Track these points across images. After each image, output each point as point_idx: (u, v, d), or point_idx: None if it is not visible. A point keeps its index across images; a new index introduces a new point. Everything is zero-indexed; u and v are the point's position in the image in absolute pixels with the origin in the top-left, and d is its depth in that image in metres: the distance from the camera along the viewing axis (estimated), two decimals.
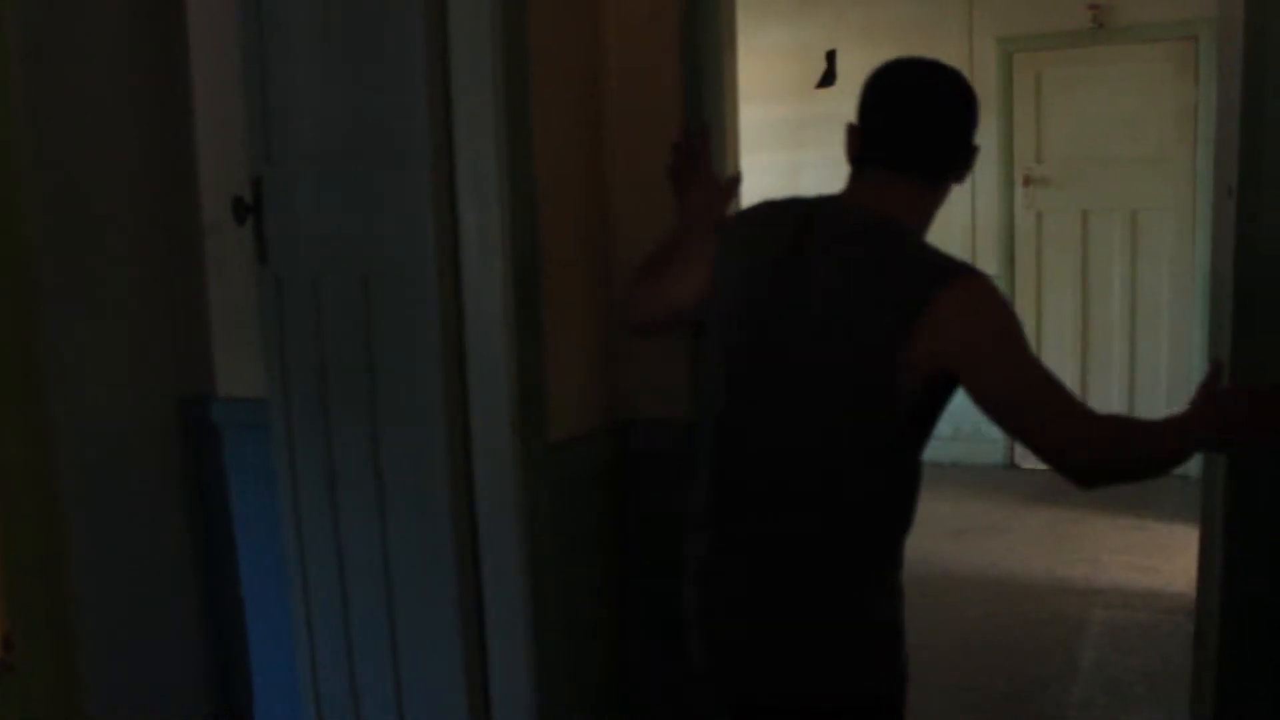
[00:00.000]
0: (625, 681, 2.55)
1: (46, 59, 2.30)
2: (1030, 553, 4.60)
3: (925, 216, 1.69)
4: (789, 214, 1.72)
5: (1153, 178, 5.53)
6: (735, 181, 2.17)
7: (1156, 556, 4.45)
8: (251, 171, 2.31)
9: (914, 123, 1.65)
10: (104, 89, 2.46)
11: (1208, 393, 1.56)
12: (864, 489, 1.62)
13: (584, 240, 2.38)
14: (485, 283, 2.07)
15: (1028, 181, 5.62)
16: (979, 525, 4.85)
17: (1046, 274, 5.68)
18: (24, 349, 1.27)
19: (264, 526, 2.53)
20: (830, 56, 6.02)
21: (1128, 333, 5.67)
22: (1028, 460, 5.63)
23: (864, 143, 1.68)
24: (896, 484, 1.64)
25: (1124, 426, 1.57)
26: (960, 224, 5.66)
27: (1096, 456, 1.51)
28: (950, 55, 6.24)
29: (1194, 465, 2.44)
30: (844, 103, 6.50)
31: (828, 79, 6.06)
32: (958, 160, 1.68)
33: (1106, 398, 5.54)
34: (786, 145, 6.11)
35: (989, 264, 5.52)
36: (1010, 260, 5.72)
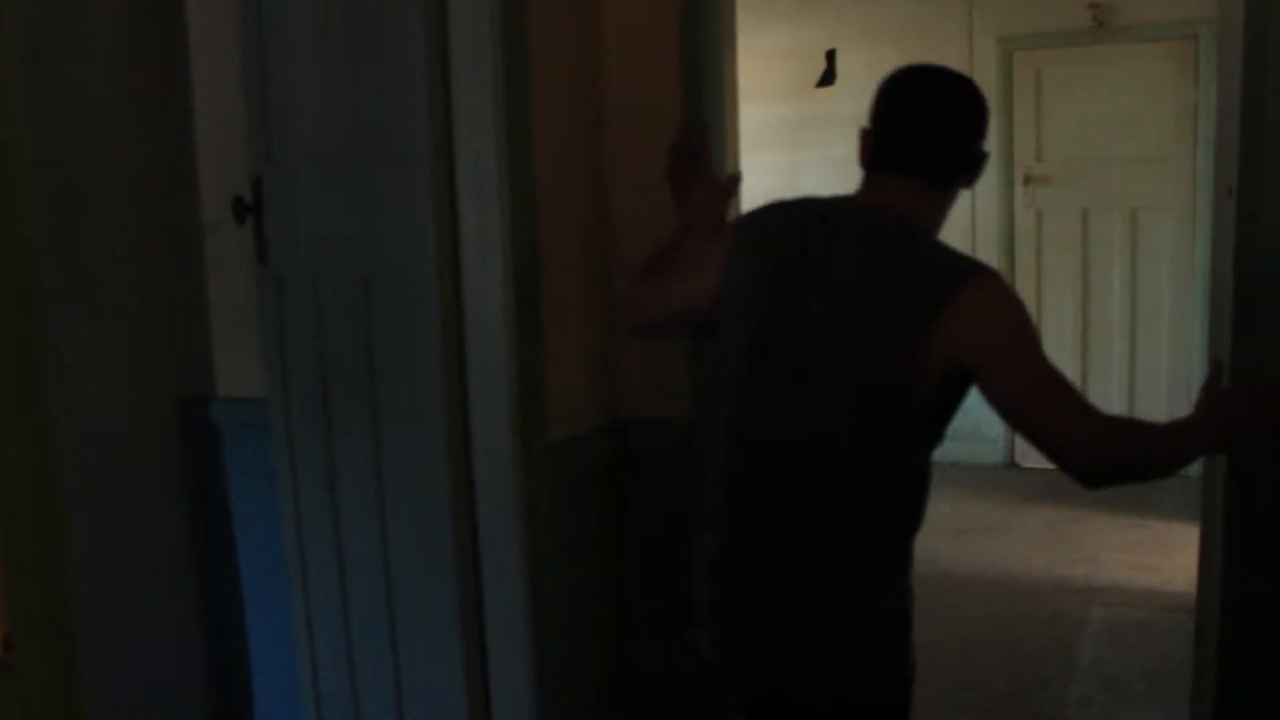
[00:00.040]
0: (625, 681, 2.55)
1: (46, 59, 2.30)
2: (1030, 552, 4.60)
3: (937, 218, 1.72)
4: (802, 214, 1.73)
5: (1153, 177, 5.53)
6: (735, 181, 2.17)
7: (1156, 555, 4.45)
8: (251, 171, 2.31)
9: (927, 128, 1.68)
10: (104, 89, 2.46)
11: (1209, 395, 1.55)
12: (878, 488, 1.63)
13: (584, 240, 2.38)
14: (485, 283, 2.07)
15: (1028, 180, 5.62)
16: (979, 525, 4.85)
17: (1046, 273, 5.68)
18: (24, 349, 1.27)
19: (264, 526, 2.53)
20: (830, 56, 6.04)
21: (1127, 332, 5.66)
22: (1027, 460, 5.63)
23: (876, 147, 1.70)
24: (909, 483, 1.65)
25: (1128, 427, 1.57)
26: (960, 222, 5.65)
27: (1097, 455, 1.52)
28: (950, 55, 6.25)
29: (1194, 464, 2.44)
30: (844, 102, 6.53)
31: (827, 78, 6.08)
32: (968, 165, 1.71)
33: (1106, 397, 5.54)
34: (786, 145, 6.11)
35: (988, 262, 5.51)
36: (1010, 259, 5.72)
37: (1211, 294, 2.15)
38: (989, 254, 5.67)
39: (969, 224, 5.69)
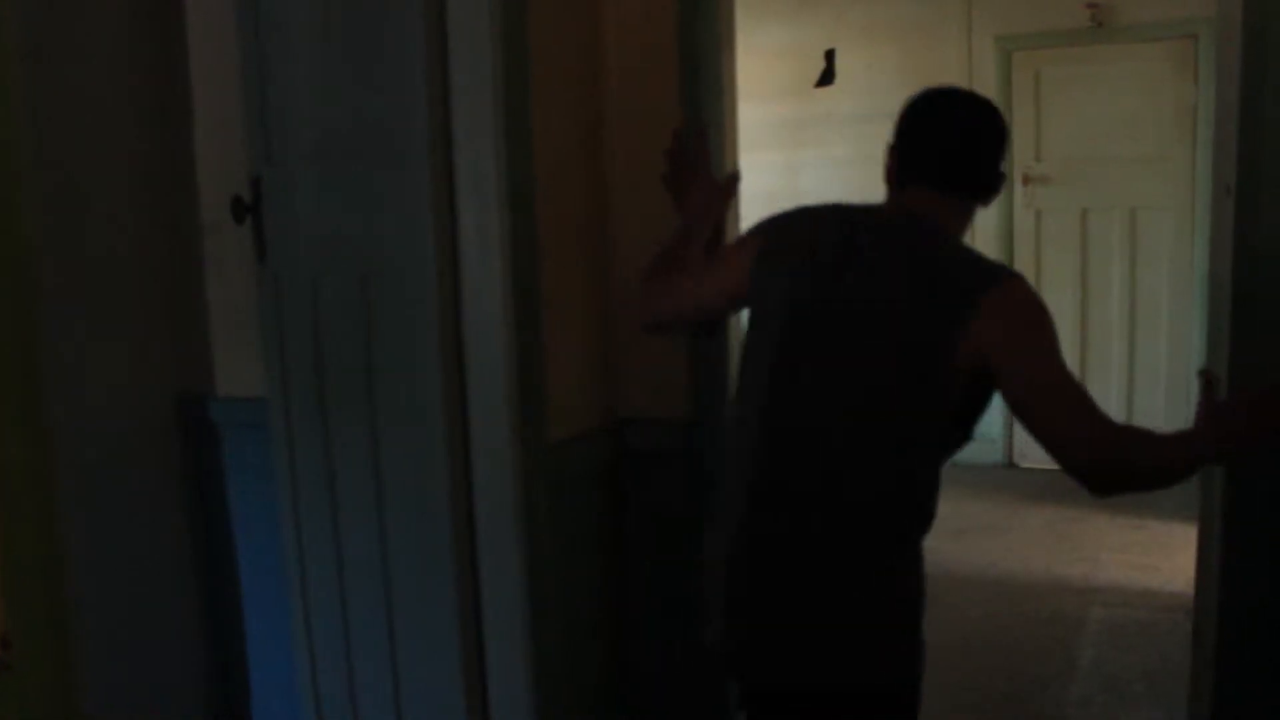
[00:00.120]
0: (625, 681, 2.55)
1: (46, 59, 2.30)
2: (1030, 552, 4.61)
3: (959, 231, 1.79)
4: (832, 219, 1.78)
5: (1152, 177, 5.53)
6: (734, 181, 2.17)
7: (1155, 555, 4.45)
8: (250, 171, 2.31)
9: (954, 148, 1.76)
10: (104, 89, 2.46)
11: (1207, 409, 1.60)
12: (903, 486, 1.66)
13: (583, 240, 2.38)
14: (484, 282, 2.07)
15: (1027, 180, 5.62)
16: (979, 525, 4.85)
17: (1045, 273, 5.68)
18: (24, 349, 1.27)
19: (263, 526, 2.53)
20: (829, 56, 6.05)
21: (1126, 331, 5.66)
22: (1026, 460, 5.64)
23: (903, 163, 1.77)
24: (930, 483, 1.69)
25: (1130, 432, 1.59)
26: None
27: (1097, 456, 1.54)
28: (949, 54, 6.25)
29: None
30: (843, 102, 6.53)
31: (826, 78, 6.09)
32: (989, 185, 1.78)
33: (1105, 396, 5.54)
34: (785, 145, 6.11)
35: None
36: (1009, 259, 5.71)
37: (1210, 294, 2.15)
38: (988, 254, 5.65)
39: None
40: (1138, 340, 5.65)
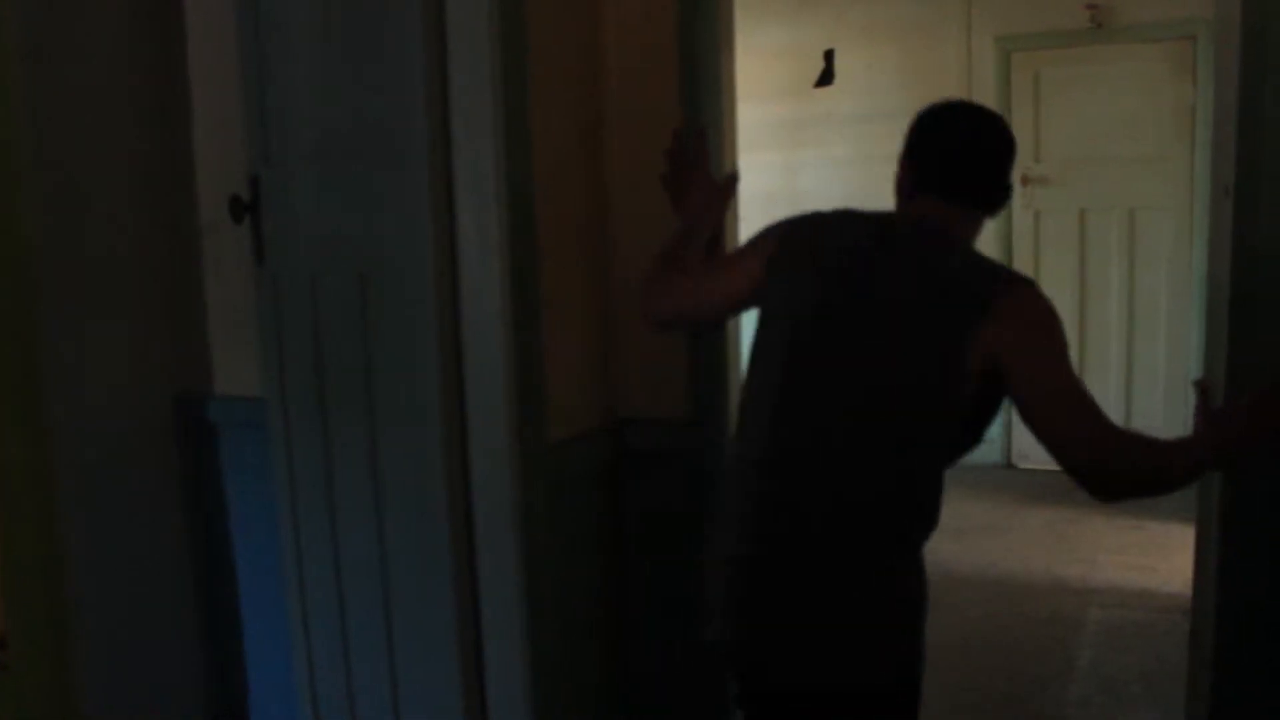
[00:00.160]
0: (624, 681, 2.56)
1: (46, 59, 2.30)
2: (1029, 552, 4.61)
3: (969, 239, 1.83)
4: (847, 224, 1.82)
5: (1151, 177, 5.53)
6: (733, 181, 2.17)
7: (1153, 556, 4.45)
8: (249, 171, 2.31)
9: (967, 161, 1.80)
10: (104, 89, 2.46)
11: (1205, 417, 1.64)
12: (913, 486, 1.68)
13: (582, 240, 2.38)
14: (483, 282, 2.07)
15: (1025, 181, 5.62)
16: (978, 525, 4.85)
17: (1044, 273, 5.67)
18: (24, 349, 1.27)
19: (261, 526, 2.53)
20: (828, 56, 6.05)
21: (1125, 332, 5.67)
22: (1025, 461, 5.64)
23: (914, 174, 1.81)
24: (934, 487, 1.71)
25: (1134, 436, 1.61)
26: None
27: (1097, 457, 1.56)
28: (948, 55, 6.26)
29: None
30: (842, 102, 6.52)
31: (826, 78, 6.09)
32: (997, 197, 1.83)
33: (1103, 397, 5.49)
34: (784, 145, 6.11)
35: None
36: (1008, 259, 5.71)
37: (1208, 295, 2.15)
38: (987, 254, 5.67)
39: None
40: (1136, 341, 5.66)
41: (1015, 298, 1.63)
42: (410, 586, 2.19)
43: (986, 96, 5.73)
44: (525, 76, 2.08)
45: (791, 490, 1.70)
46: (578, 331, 2.37)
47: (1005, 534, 4.85)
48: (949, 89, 5.80)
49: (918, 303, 1.67)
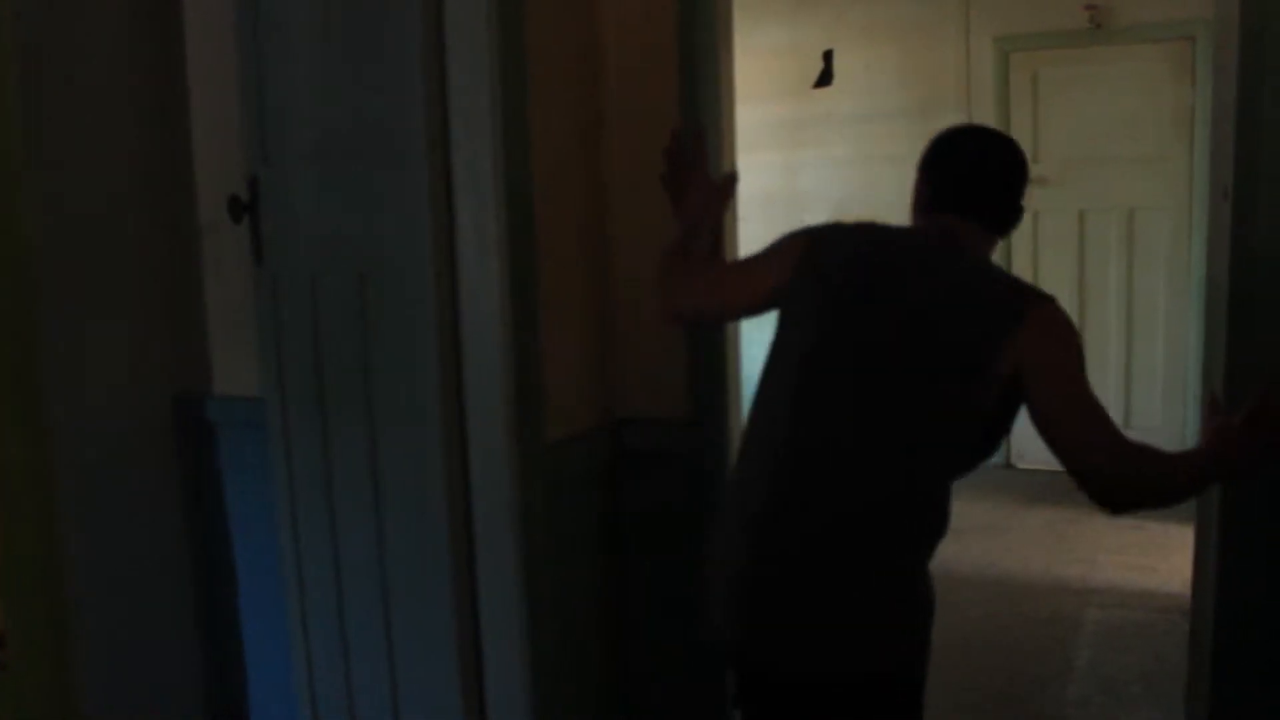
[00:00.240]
0: (623, 681, 2.56)
1: (46, 59, 2.30)
2: (1028, 552, 4.61)
3: (986, 255, 1.90)
4: (872, 233, 1.88)
5: (1150, 178, 5.53)
6: (732, 180, 2.17)
7: (1153, 556, 4.45)
8: (248, 170, 2.31)
9: (984, 184, 1.87)
10: (104, 89, 2.46)
11: (1213, 429, 1.66)
12: (929, 488, 1.72)
13: (581, 240, 2.39)
14: (482, 282, 2.07)
15: None
16: (978, 525, 4.85)
17: (1043, 273, 5.67)
18: (24, 349, 1.27)
19: (260, 526, 2.53)
20: (827, 56, 6.06)
21: (1124, 332, 5.67)
22: (1025, 461, 5.64)
23: (934, 192, 1.88)
24: (946, 491, 1.75)
25: (1143, 447, 1.64)
26: None
27: (1110, 464, 1.61)
28: (947, 55, 6.25)
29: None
30: (841, 102, 6.51)
31: (825, 79, 6.09)
32: (1010, 218, 1.88)
33: (1103, 397, 5.40)
34: (784, 145, 6.11)
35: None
36: (1007, 259, 5.72)
37: (1207, 295, 2.16)
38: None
39: None
40: (1135, 341, 5.66)
41: (1043, 312, 1.69)
42: (409, 586, 2.19)
43: (985, 97, 5.74)
44: (525, 76, 2.08)
45: (806, 487, 1.73)
46: (576, 331, 2.37)
47: (1005, 534, 4.85)
48: (948, 89, 5.82)
49: (949, 311, 1.72)
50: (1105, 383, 5.62)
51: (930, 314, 1.72)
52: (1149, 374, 5.64)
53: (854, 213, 5.88)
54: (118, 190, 2.50)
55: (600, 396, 2.45)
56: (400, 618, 2.21)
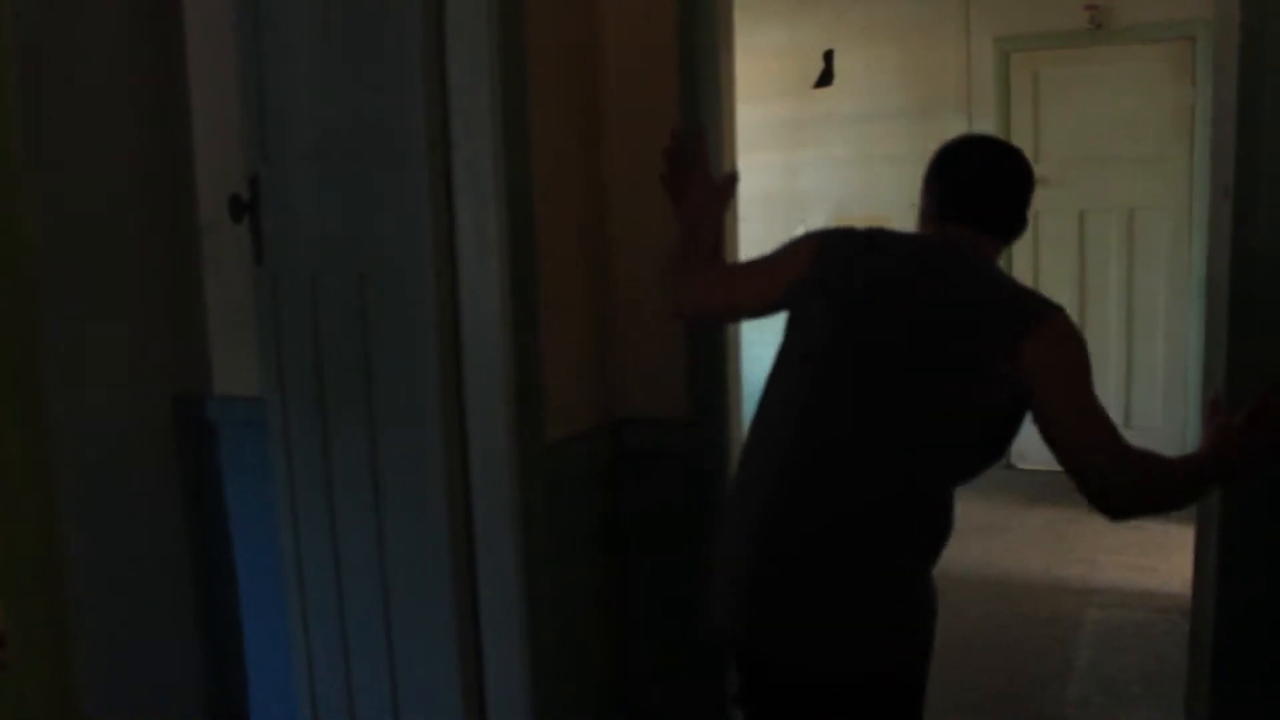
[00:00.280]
0: (624, 681, 2.56)
1: (46, 59, 2.30)
2: (1028, 552, 4.61)
3: (994, 263, 1.91)
4: (886, 238, 1.89)
5: (1150, 178, 5.53)
6: (732, 180, 2.17)
7: (1153, 556, 4.45)
8: (248, 170, 2.30)
9: (988, 191, 1.89)
10: (104, 89, 2.46)
11: (1214, 431, 1.68)
12: (925, 490, 1.73)
13: (581, 240, 2.39)
14: (482, 282, 2.07)
15: None
16: (978, 525, 4.85)
17: (1043, 273, 5.68)
18: (24, 349, 1.27)
19: (260, 525, 2.53)
20: (828, 56, 6.06)
21: (1124, 332, 5.67)
22: (1025, 461, 5.63)
23: (943, 202, 1.89)
24: (950, 494, 1.76)
25: (1146, 452, 1.66)
26: None
27: (1110, 464, 1.62)
28: (948, 55, 6.24)
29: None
30: (842, 102, 6.50)
31: (825, 79, 6.09)
32: (1016, 226, 1.91)
33: (1103, 397, 5.42)
34: (784, 145, 6.11)
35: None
36: (1008, 260, 5.72)
37: (1208, 295, 2.16)
38: None
39: None
40: (1135, 341, 5.65)
41: (1054, 322, 1.71)
42: (409, 586, 2.19)
43: (985, 97, 5.74)
44: (525, 76, 2.08)
45: (807, 487, 1.74)
46: (576, 331, 2.37)
47: (1005, 534, 4.85)
48: (948, 89, 5.82)
49: (958, 316, 1.74)
50: (1105, 383, 5.62)
51: (938, 319, 1.74)
52: (1149, 374, 5.63)
53: (854, 213, 5.93)
54: (118, 190, 2.50)
55: (600, 396, 2.45)
56: (400, 618, 2.21)
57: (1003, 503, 5.21)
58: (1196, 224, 5.29)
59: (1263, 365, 1.90)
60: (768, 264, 1.96)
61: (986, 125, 5.69)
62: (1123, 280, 5.65)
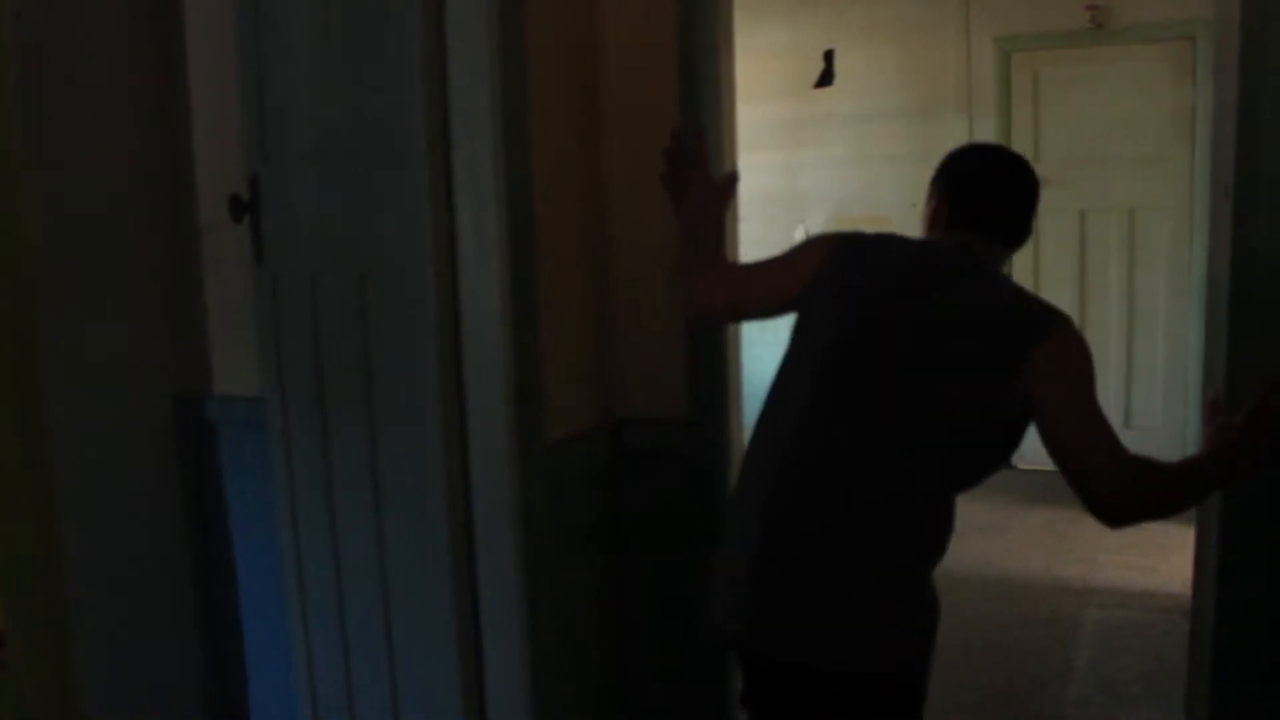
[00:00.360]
0: (624, 681, 2.56)
1: (46, 59, 2.30)
2: (1028, 552, 4.61)
3: (1002, 270, 1.96)
4: (898, 244, 1.91)
5: (1150, 178, 5.53)
6: (732, 180, 2.17)
7: (1153, 556, 4.45)
8: (249, 170, 2.30)
9: (998, 200, 1.92)
10: (104, 89, 2.46)
11: (1215, 432, 1.70)
12: (925, 491, 1.74)
13: (581, 240, 2.39)
14: (482, 282, 2.07)
15: None
16: (978, 525, 4.85)
17: (1044, 273, 5.68)
18: (24, 349, 1.27)
19: (260, 525, 2.53)
20: (828, 56, 6.06)
21: (1124, 332, 5.66)
22: (1025, 461, 5.62)
23: (950, 210, 1.91)
24: (950, 496, 1.77)
25: (1147, 460, 1.66)
26: None
27: (1108, 463, 1.63)
28: (948, 55, 6.25)
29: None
30: (842, 102, 6.50)
31: (825, 79, 6.09)
32: (1022, 234, 1.94)
33: (1104, 397, 5.46)
34: (784, 145, 6.11)
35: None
36: (1007, 260, 5.72)
37: (1208, 295, 2.16)
38: None
39: None
40: (1135, 341, 5.65)
41: (1063, 332, 1.73)
42: (410, 586, 2.19)
43: (986, 97, 5.74)
44: (525, 76, 2.08)
45: (807, 487, 1.74)
46: (576, 331, 2.37)
47: (1005, 534, 4.85)
48: (948, 89, 5.81)
49: (967, 322, 1.75)
50: (1106, 383, 5.60)
51: (942, 319, 1.75)
52: (1149, 374, 5.63)
53: (854, 213, 5.92)
54: (118, 190, 2.50)
55: (600, 396, 2.45)
56: (400, 618, 2.21)
57: (1003, 503, 5.20)
58: (1197, 224, 5.29)
59: (1263, 365, 1.90)
60: (783, 262, 1.97)
61: (987, 125, 5.69)
62: (1123, 280, 5.65)
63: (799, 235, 5.98)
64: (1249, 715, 2.02)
